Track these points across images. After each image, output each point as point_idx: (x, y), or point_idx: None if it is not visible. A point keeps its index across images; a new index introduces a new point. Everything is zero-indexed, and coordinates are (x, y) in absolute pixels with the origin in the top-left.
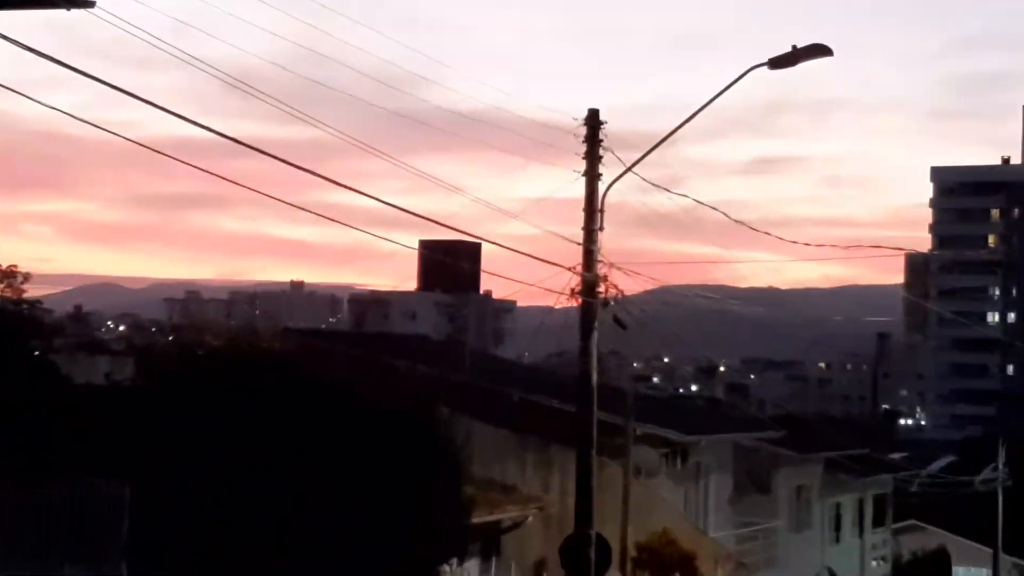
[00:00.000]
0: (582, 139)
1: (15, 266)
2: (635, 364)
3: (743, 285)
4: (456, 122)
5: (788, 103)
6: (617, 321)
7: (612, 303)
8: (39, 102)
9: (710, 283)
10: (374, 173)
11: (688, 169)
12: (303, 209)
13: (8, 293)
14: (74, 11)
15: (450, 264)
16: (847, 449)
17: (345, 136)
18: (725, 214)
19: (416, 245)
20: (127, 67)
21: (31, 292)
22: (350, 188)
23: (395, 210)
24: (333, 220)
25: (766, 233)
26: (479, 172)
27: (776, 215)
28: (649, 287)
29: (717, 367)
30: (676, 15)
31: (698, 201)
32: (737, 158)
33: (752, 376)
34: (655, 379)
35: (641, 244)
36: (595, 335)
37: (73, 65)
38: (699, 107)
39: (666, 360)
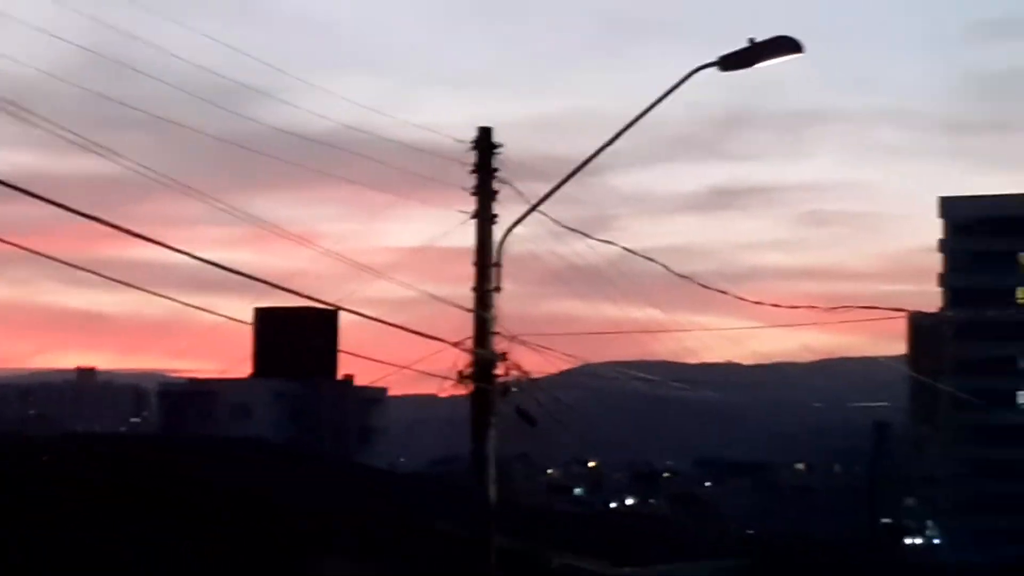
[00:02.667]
0: (471, 168)
1: None
2: (549, 471)
3: (692, 361)
4: (301, 148)
5: (752, 116)
6: (522, 414)
7: (515, 389)
8: None
9: (649, 359)
10: (191, 218)
11: (617, 206)
12: (90, 271)
13: None
14: None
15: (296, 340)
16: None
17: (149, 170)
18: (666, 267)
19: (249, 316)
20: None
21: None
22: (154, 241)
23: (219, 269)
24: (133, 285)
25: (722, 292)
26: (334, 215)
27: (737, 266)
28: (565, 367)
29: (660, 473)
30: None
31: (628, 250)
32: (683, 190)
33: (708, 484)
34: (577, 491)
35: (553, 308)
36: (492, 433)
37: None
38: (629, 122)
39: (592, 464)
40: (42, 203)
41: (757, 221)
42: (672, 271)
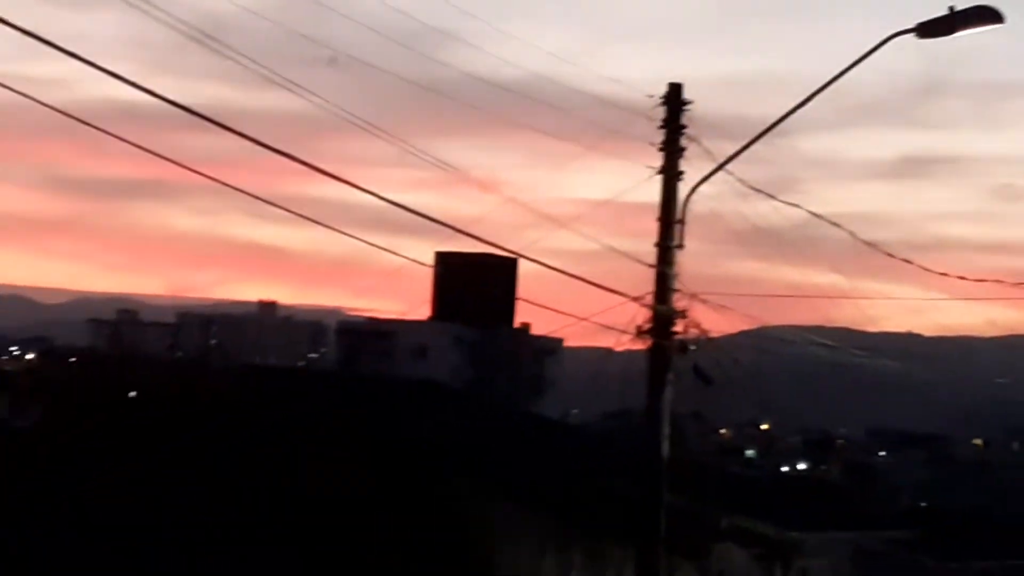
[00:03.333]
0: (659, 124)
1: None
2: (722, 431)
3: (873, 330)
4: (490, 96)
5: (946, 85)
6: (699, 372)
7: (693, 348)
8: None
9: (828, 325)
10: (377, 160)
11: (804, 169)
12: (278, 207)
13: None
14: None
15: (476, 286)
16: (1012, 558)
17: (340, 109)
18: (852, 233)
19: (430, 259)
20: (52, 5)
21: None
22: (342, 180)
23: (403, 211)
24: (318, 222)
25: (907, 261)
26: (518, 163)
27: (924, 236)
28: (744, 327)
29: (834, 439)
30: None
31: (814, 214)
32: (873, 156)
33: (882, 453)
34: (749, 453)
35: (735, 269)
36: (668, 391)
37: None
38: (821, 85)
39: (765, 427)
40: (233, 136)
41: (947, 191)
42: (857, 237)
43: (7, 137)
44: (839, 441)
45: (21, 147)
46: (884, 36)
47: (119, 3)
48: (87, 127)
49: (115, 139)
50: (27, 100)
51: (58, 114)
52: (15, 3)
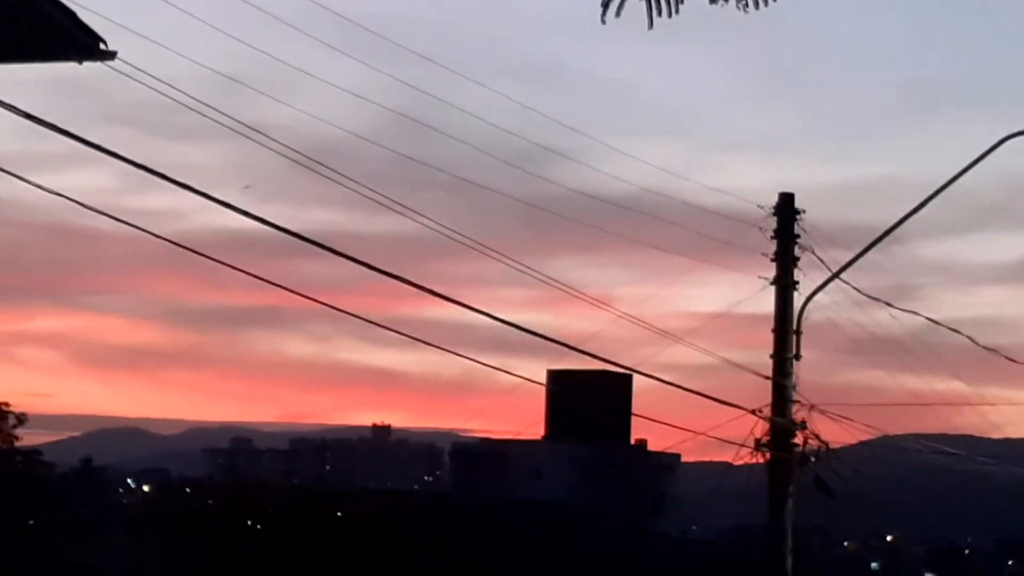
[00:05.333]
0: (771, 234)
1: (6, 404)
2: (846, 544)
3: (998, 436)
4: (600, 211)
5: None
6: (820, 485)
7: (813, 460)
8: (41, 187)
9: (951, 433)
10: (489, 280)
11: (921, 275)
12: (391, 330)
13: None
14: (89, 65)
15: (590, 403)
16: None
17: (450, 230)
18: (971, 338)
19: (543, 377)
20: (162, 138)
21: (27, 439)
22: (454, 301)
23: (515, 330)
24: (431, 344)
25: None
26: (630, 278)
27: None
28: (864, 437)
29: (962, 550)
30: (905, 57)
31: (932, 320)
32: (992, 260)
33: (1010, 563)
34: (874, 565)
35: (853, 378)
36: (789, 504)
37: (87, 138)
38: (935, 190)
39: (889, 539)
40: (345, 261)
41: None
42: (978, 343)
43: (120, 269)
44: (967, 551)
45: (135, 279)
46: (998, 138)
47: (228, 133)
48: (200, 257)
49: (228, 268)
50: (139, 232)
51: (171, 245)
52: (126, 137)
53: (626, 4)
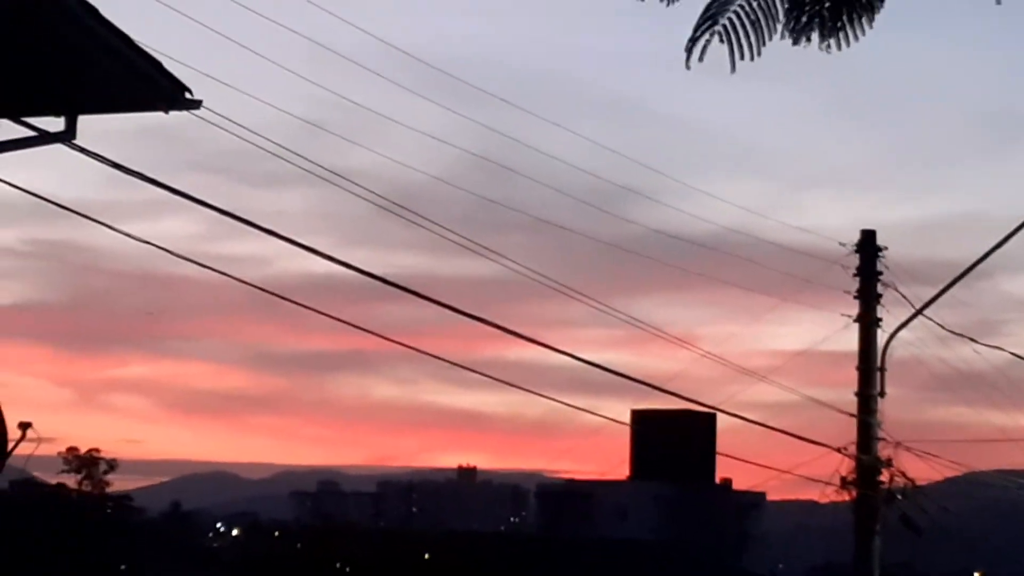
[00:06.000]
0: (853, 271)
1: (97, 450)
2: None
3: None
4: (682, 251)
5: None
6: (907, 522)
7: (900, 497)
8: (129, 235)
9: None
10: (572, 321)
11: (1005, 310)
12: (476, 372)
13: (87, 486)
14: (176, 114)
15: (674, 443)
16: None
17: (533, 272)
18: None
19: (627, 417)
20: (247, 185)
21: (118, 484)
22: (538, 342)
23: (599, 371)
24: (516, 385)
25: None
26: (713, 317)
27: None
28: (950, 474)
29: None
30: (986, 90)
31: (1017, 356)
32: None
33: None
34: None
35: (938, 414)
36: (876, 541)
37: (173, 185)
38: (1021, 223)
39: (977, 575)
40: (428, 303)
41: None
42: None
43: (208, 315)
44: None
45: (222, 325)
46: None
47: (313, 179)
48: (286, 302)
49: (313, 312)
50: (225, 278)
51: (257, 290)
52: (212, 185)
53: (709, 47)
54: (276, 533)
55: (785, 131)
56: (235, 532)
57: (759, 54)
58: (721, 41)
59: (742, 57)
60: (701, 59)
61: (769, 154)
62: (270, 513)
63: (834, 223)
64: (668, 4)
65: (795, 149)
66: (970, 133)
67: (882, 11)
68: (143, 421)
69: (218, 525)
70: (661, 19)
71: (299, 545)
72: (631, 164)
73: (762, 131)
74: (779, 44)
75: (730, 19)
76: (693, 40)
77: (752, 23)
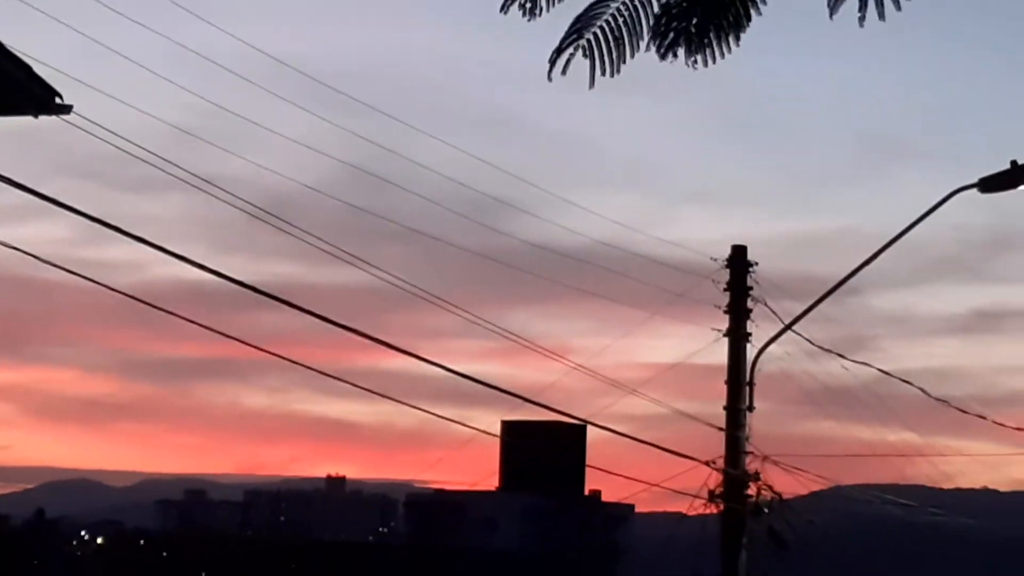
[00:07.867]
0: (723, 286)
1: None
2: None
3: (949, 487)
4: (554, 264)
5: (1016, 238)
6: (774, 536)
7: (766, 511)
8: None
9: (902, 483)
10: (444, 332)
11: (874, 327)
12: (346, 382)
13: None
14: (45, 119)
15: (544, 454)
16: None
17: (405, 283)
18: (922, 389)
19: (498, 428)
20: (118, 190)
21: None
22: (409, 353)
23: (470, 382)
24: (386, 396)
25: (980, 416)
26: (585, 330)
27: (997, 391)
28: (817, 488)
29: None
30: (860, 110)
31: (884, 372)
32: (944, 312)
33: None
34: None
35: (806, 429)
36: (743, 555)
37: (41, 191)
38: (886, 243)
39: None
40: (299, 313)
41: (1020, 346)
42: (929, 394)
43: (77, 321)
44: None
45: (90, 331)
46: (948, 192)
47: (185, 186)
48: (155, 309)
49: (183, 320)
50: (94, 284)
51: (127, 297)
52: (82, 190)
53: (573, 61)
54: (141, 541)
55: (663, 146)
56: (100, 540)
57: (619, 71)
58: (584, 56)
59: (603, 73)
60: (564, 72)
61: (646, 168)
62: (135, 521)
63: (708, 238)
64: (530, 19)
65: (672, 164)
66: (843, 152)
67: (760, 33)
68: (7, 427)
69: (82, 533)
70: (541, 33)
71: (164, 554)
72: (506, 176)
73: (640, 145)
74: (649, 58)
75: (595, 34)
76: (558, 52)
77: (616, 39)
